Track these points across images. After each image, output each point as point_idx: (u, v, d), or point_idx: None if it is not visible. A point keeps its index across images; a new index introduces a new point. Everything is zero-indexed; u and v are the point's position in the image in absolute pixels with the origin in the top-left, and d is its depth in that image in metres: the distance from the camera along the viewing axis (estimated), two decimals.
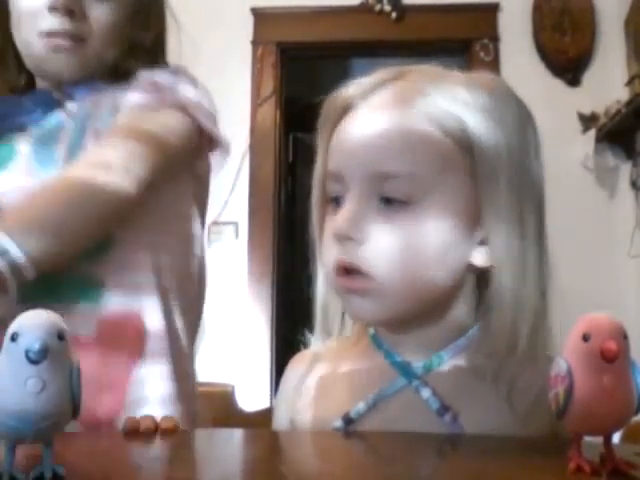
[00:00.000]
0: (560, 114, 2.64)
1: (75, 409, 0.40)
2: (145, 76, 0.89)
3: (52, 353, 0.38)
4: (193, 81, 0.92)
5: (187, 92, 0.89)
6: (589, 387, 0.42)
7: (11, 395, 0.37)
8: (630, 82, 2.46)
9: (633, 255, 2.50)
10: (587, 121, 2.61)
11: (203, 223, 1.01)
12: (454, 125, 0.59)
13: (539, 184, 0.65)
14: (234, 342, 2.72)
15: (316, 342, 0.68)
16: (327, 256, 0.62)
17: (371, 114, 0.61)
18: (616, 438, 0.45)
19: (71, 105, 0.90)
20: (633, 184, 2.57)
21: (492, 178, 0.59)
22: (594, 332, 0.42)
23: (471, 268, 0.61)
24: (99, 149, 0.83)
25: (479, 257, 0.60)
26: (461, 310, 0.62)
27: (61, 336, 0.38)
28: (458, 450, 0.56)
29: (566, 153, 2.61)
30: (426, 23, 2.77)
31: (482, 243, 0.60)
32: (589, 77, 2.70)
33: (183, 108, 0.88)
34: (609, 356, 0.41)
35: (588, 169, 2.62)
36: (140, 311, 0.84)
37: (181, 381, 0.86)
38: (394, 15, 2.76)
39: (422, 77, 0.63)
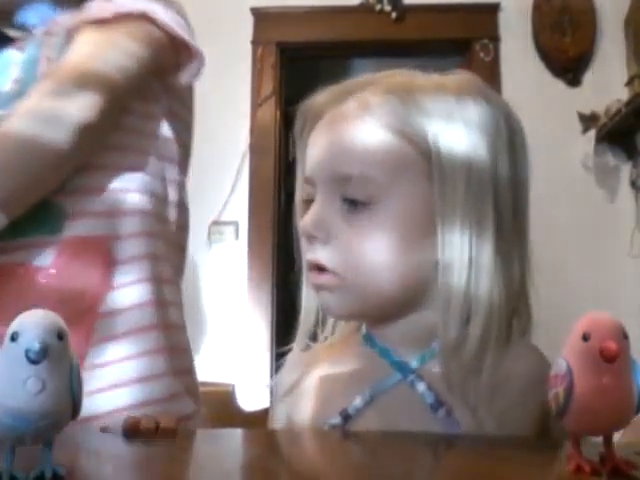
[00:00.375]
0: (560, 114, 2.64)
1: (75, 409, 0.40)
2: None
3: (52, 353, 0.38)
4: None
5: (149, 4, 0.84)
6: (589, 387, 0.42)
7: (11, 395, 0.37)
8: (630, 82, 2.46)
9: (633, 255, 2.50)
10: (587, 121, 2.61)
11: (185, 143, 0.97)
12: (412, 132, 0.62)
13: (515, 184, 0.65)
14: (234, 341, 2.72)
15: (300, 341, 0.71)
16: (303, 255, 0.67)
17: (335, 121, 0.65)
18: (616, 438, 0.45)
19: (23, 39, 0.88)
20: (633, 184, 2.57)
21: (448, 182, 0.61)
22: (594, 332, 0.42)
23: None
24: (38, 98, 0.79)
25: (441, 257, 0.62)
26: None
27: (61, 336, 0.38)
28: (456, 450, 0.56)
29: (566, 153, 2.61)
30: (426, 23, 2.77)
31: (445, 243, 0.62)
32: (589, 77, 2.70)
33: (145, 18, 0.83)
34: (609, 356, 0.41)
35: (588, 169, 2.62)
36: (110, 237, 0.81)
37: (160, 309, 0.83)
38: (394, 15, 2.76)
39: (388, 85, 0.65)
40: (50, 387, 0.38)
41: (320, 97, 0.68)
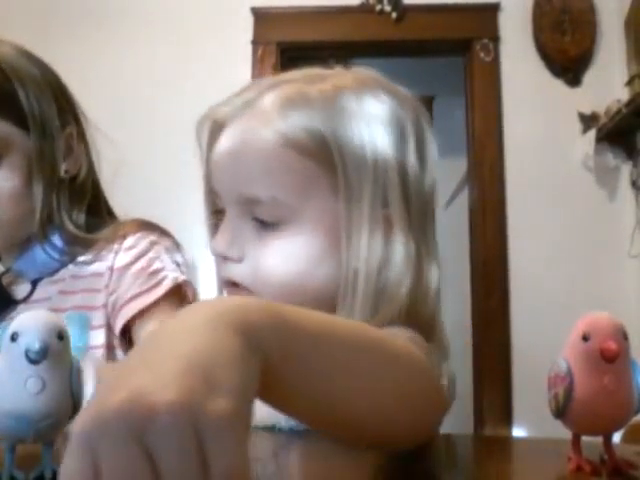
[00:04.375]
0: (560, 114, 2.64)
1: (75, 409, 0.40)
2: None
3: (52, 353, 0.38)
4: None
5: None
6: (589, 387, 0.42)
7: (11, 395, 0.37)
8: (630, 82, 2.46)
9: (633, 255, 2.50)
10: (587, 121, 2.61)
11: None
12: (312, 144, 0.61)
13: (422, 182, 0.65)
14: None
15: None
16: (216, 270, 0.67)
17: (236, 137, 0.64)
18: (616, 438, 0.45)
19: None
20: (633, 184, 2.56)
21: (354, 194, 0.61)
22: (594, 332, 0.42)
23: None
24: None
25: (353, 261, 0.61)
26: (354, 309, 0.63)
27: (61, 336, 0.38)
28: (456, 450, 0.56)
29: (566, 153, 2.61)
30: (426, 23, 2.77)
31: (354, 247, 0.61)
32: (589, 77, 2.70)
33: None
34: (609, 356, 0.41)
35: (588, 169, 2.62)
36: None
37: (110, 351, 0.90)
38: (394, 15, 2.76)
39: (287, 95, 0.64)
40: (50, 387, 0.38)
41: (220, 108, 0.66)
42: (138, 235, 0.94)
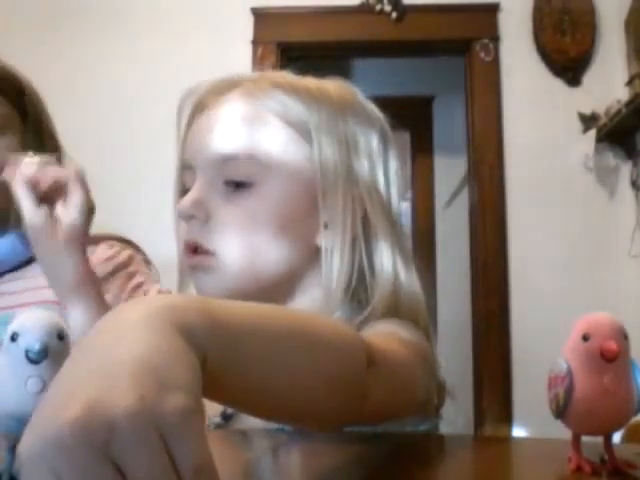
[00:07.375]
0: (560, 114, 2.64)
1: None
2: None
3: (52, 353, 0.38)
4: None
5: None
6: (589, 387, 0.42)
7: (11, 395, 0.37)
8: (630, 82, 2.46)
9: (633, 255, 2.50)
10: (587, 121, 2.61)
11: None
12: (295, 118, 0.64)
13: (387, 187, 0.68)
14: None
15: None
16: (178, 238, 0.67)
17: (218, 108, 0.66)
18: (616, 438, 0.45)
19: None
20: (633, 184, 2.56)
21: (329, 167, 0.63)
22: (594, 332, 0.42)
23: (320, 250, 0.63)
24: None
25: (324, 240, 0.63)
26: (318, 291, 0.63)
27: (61, 336, 0.38)
28: (456, 450, 0.56)
29: (566, 153, 2.61)
30: (426, 23, 2.77)
31: (327, 226, 0.63)
32: (589, 77, 2.70)
33: None
34: (609, 356, 0.41)
35: (588, 169, 2.62)
36: None
37: None
38: (394, 15, 2.76)
39: (273, 80, 0.67)
40: None
41: (203, 87, 0.68)
42: (114, 246, 0.95)
